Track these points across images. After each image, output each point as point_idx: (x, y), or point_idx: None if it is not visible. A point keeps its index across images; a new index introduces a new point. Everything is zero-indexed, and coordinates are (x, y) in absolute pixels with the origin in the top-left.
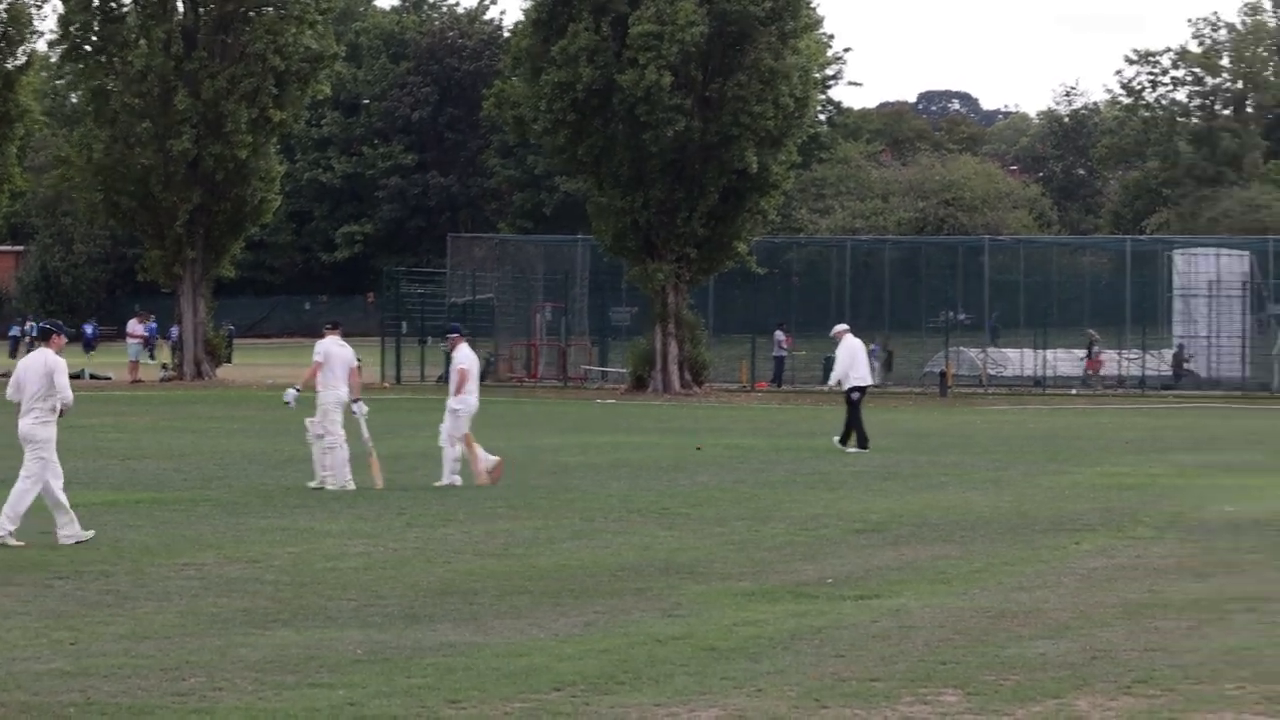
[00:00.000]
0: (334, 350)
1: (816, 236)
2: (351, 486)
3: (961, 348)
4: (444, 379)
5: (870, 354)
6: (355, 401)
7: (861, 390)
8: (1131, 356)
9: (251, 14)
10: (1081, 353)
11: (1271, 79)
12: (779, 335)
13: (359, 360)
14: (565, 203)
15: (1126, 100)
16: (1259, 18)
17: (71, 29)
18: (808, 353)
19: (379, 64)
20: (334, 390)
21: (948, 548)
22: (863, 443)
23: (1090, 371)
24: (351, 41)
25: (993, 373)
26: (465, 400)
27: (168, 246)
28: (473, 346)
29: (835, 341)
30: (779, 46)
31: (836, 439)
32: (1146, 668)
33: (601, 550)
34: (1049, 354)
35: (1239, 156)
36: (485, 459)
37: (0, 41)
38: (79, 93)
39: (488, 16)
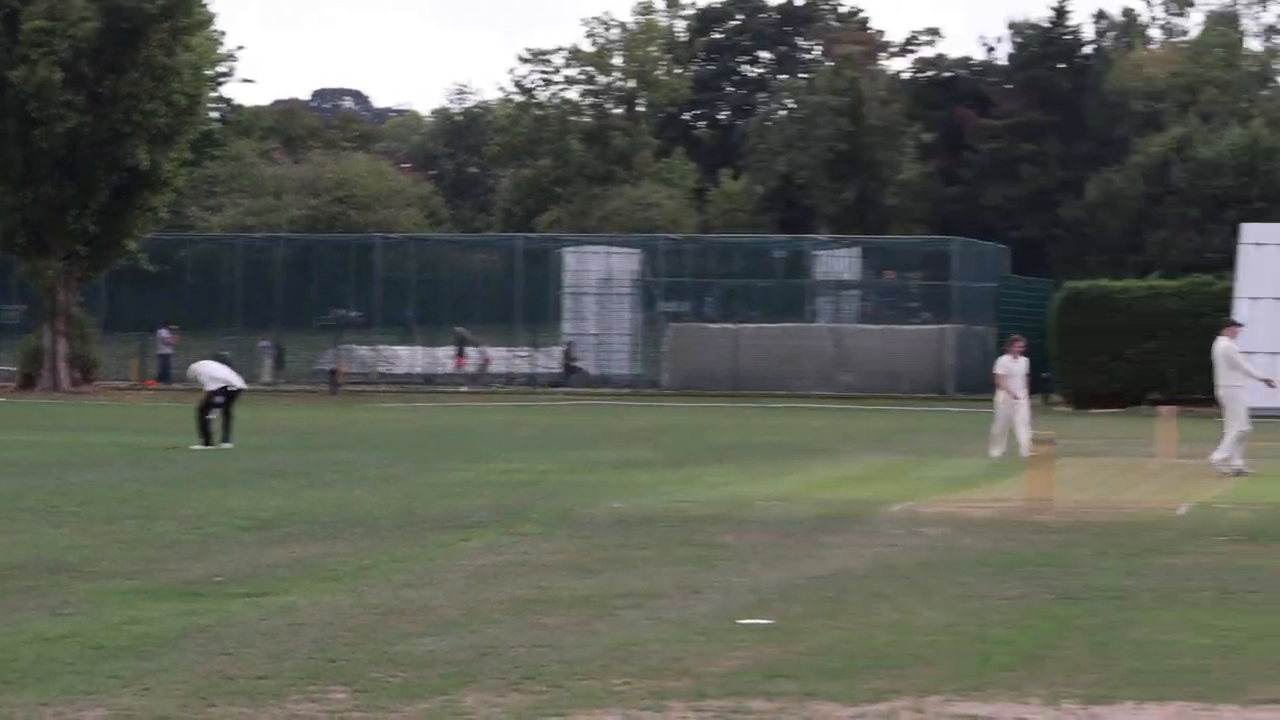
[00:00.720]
0: None
1: (209, 234)
2: None
3: (352, 345)
4: None
5: (262, 350)
6: None
7: (227, 393)
8: (522, 354)
9: None
10: (452, 350)
11: (663, 78)
12: (164, 334)
13: None
14: None
15: (519, 98)
16: (651, 17)
17: None
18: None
19: None
20: None
21: (337, 545)
22: (208, 440)
23: (460, 369)
24: None
25: (383, 370)
26: None
27: None
28: None
29: (198, 375)
30: (171, 43)
31: (202, 446)
32: (534, 664)
33: None
34: (439, 352)
35: (630, 155)
36: None
37: None
38: None
39: None
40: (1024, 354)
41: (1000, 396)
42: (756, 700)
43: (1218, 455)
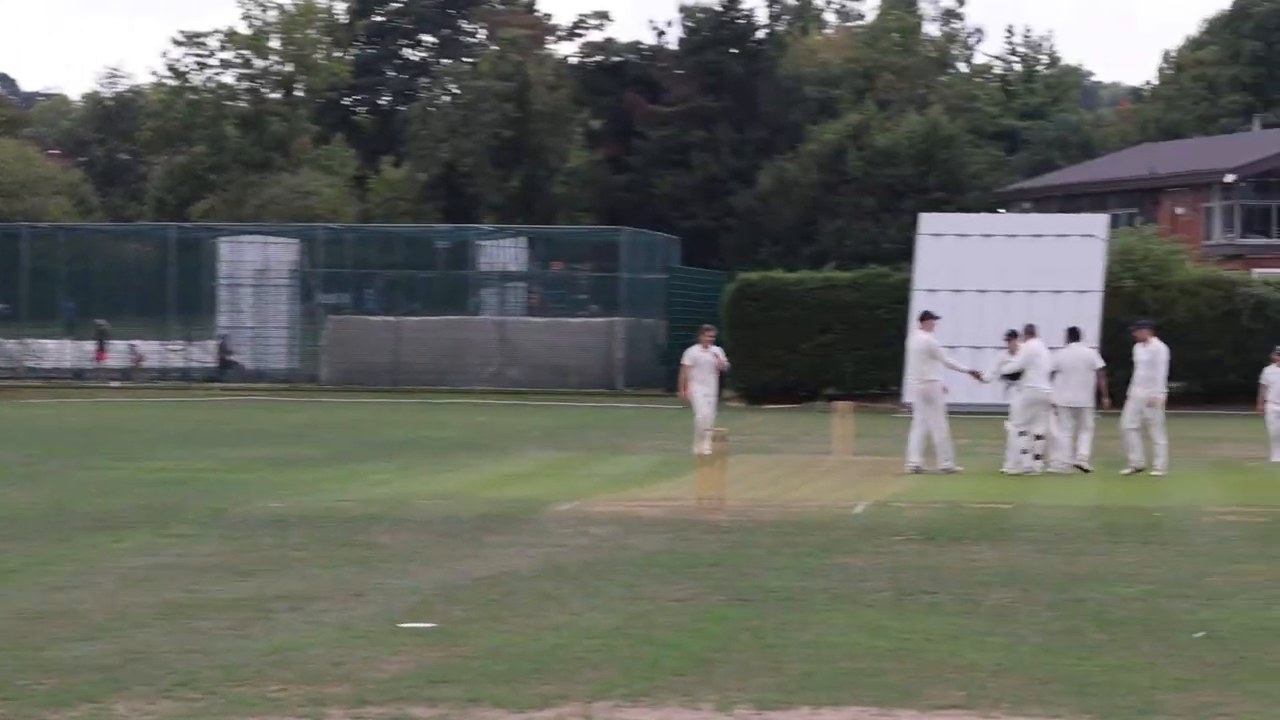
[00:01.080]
0: None
1: None
2: None
3: None
4: None
5: None
6: None
7: None
8: (175, 348)
9: None
10: (92, 344)
11: (322, 62)
12: None
13: None
14: None
15: (173, 83)
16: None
17: None
18: None
19: None
20: None
21: None
22: None
23: (100, 362)
24: None
25: (31, 365)
26: None
27: None
28: None
29: None
30: None
31: None
32: (187, 670)
33: None
34: (89, 345)
35: (287, 141)
36: None
37: None
38: None
39: None
40: (715, 344)
41: (695, 389)
42: (419, 707)
43: (944, 462)
